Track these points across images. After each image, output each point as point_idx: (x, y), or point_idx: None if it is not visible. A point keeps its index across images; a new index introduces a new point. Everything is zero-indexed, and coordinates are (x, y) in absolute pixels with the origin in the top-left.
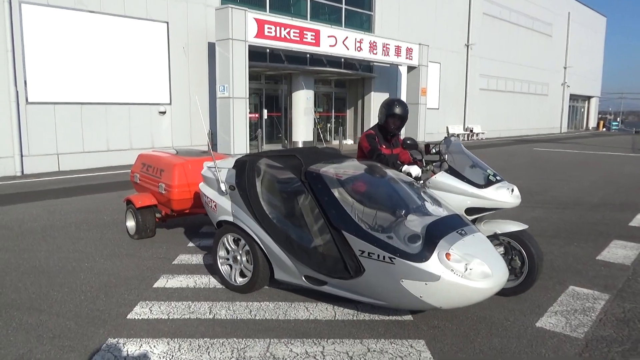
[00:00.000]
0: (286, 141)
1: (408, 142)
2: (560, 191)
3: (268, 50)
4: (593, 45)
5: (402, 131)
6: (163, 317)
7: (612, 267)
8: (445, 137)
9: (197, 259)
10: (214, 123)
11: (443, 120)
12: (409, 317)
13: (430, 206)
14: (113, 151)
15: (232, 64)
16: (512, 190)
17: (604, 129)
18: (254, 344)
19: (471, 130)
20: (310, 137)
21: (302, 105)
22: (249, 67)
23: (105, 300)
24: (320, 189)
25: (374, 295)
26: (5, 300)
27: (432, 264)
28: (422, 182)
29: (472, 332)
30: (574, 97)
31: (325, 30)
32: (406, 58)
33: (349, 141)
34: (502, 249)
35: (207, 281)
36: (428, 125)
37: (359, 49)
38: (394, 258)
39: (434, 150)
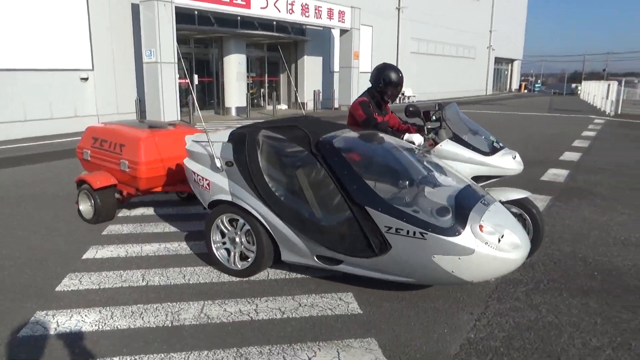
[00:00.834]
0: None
1: (411, 109)
2: None
3: (196, 12)
4: (516, 10)
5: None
6: (94, 287)
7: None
8: (439, 103)
9: (128, 228)
10: (142, 90)
11: None
12: (339, 273)
13: (441, 176)
14: (31, 121)
15: (158, 27)
16: (515, 156)
17: (526, 91)
18: (188, 307)
19: (403, 93)
20: (243, 103)
21: (235, 70)
22: (177, 30)
23: (31, 275)
24: (337, 162)
25: (399, 273)
26: None
27: (466, 238)
28: (426, 150)
29: (396, 283)
30: (498, 60)
31: None
32: (339, 21)
33: (283, 106)
34: None
35: (140, 250)
36: (361, 89)
37: (290, 11)
38: (426, 233)
39: (434, 117)
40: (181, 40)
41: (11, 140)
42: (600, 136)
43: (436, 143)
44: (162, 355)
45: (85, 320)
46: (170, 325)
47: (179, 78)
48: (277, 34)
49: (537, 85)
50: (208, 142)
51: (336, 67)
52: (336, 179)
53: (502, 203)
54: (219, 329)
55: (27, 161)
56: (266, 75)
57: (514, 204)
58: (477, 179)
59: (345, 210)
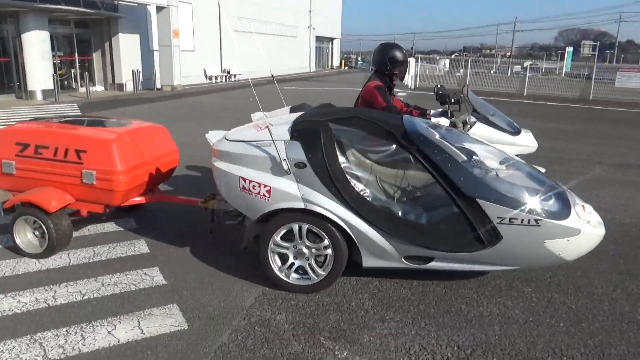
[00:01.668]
0: (22, 91)
1: (441, 92)
2: None
3: None
4: None
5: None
6: None
7: None
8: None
9: None
10: None
11: (200, 63)
12: (146, 250)
13: (502, 159)
14: None
15: None
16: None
17: (346, 67)
18: None
19: (228, 72)
20: (51, 85)
21: (37, 48)
22: None
23: None
24: (438, 153)
25: (503, 262)
26: None
27: (574, 219)
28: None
29: (204, 254)
30: (319, 39)
31: None
32: None
33: (99, 87)
34: None
35: None
36: (184, 69)
37: None
38: (540, 220)
39: (453, 100)
40: None
41: None
42: None
43: (455, 126)
44: None
45: None
46: None
47: None
48: (84, 9)
49: (359, 62)
50: (271, 140)
51: (155, 46)
52: (438, 172)
53: None
54: (10, 321)
55: None
56: (76, 54)
57: None
58: None
59: (446, 204)
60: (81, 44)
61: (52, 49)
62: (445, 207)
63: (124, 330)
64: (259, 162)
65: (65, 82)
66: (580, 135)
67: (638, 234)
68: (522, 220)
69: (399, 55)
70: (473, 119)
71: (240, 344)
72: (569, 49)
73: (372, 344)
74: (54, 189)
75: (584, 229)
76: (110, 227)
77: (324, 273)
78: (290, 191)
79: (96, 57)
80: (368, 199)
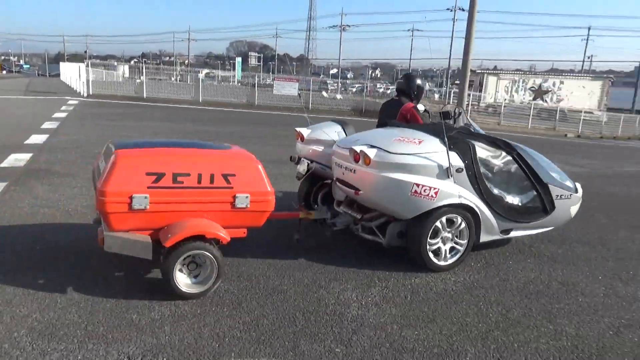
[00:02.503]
0: None
1: (445, 112)
2: None
3: None
4: None
5: None
6: None
7: None
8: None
9: None
10: None
11: None
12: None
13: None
14: None
15: None
16: None
17: (4, 72)
18: None
19: None
20: None
21: None
22: None
23: None
24: (527, 159)
25: (549, 225)
26: None
27: (580, 192)
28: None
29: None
30: None
31: None
32: None
33: None
34: None
35: None
36: None
37: None
38: (571, 195)
39: (451, 116)
40: None
41: None
42: (71, 116)
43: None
44: None
45: None
46: None
47: None
48: None
49: (25, 65)
50: (446, 152)
51: None
52: (529, 171)
53: None
54: None
55: None
56: None
57: None
58: None
59: (530, 189)
60: None
61: None
62: (529, 192)
63: None
64: (429, 169)
65: None
66: (249, 137)
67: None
68: (564, 195)
69: (421, 84)
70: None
71: None
72: (239, 59)
73: None
74: (206, 219)
75: (581, 198)
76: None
77: (454, 256)
78: (451, 191)
79: None
80: (494, 192)
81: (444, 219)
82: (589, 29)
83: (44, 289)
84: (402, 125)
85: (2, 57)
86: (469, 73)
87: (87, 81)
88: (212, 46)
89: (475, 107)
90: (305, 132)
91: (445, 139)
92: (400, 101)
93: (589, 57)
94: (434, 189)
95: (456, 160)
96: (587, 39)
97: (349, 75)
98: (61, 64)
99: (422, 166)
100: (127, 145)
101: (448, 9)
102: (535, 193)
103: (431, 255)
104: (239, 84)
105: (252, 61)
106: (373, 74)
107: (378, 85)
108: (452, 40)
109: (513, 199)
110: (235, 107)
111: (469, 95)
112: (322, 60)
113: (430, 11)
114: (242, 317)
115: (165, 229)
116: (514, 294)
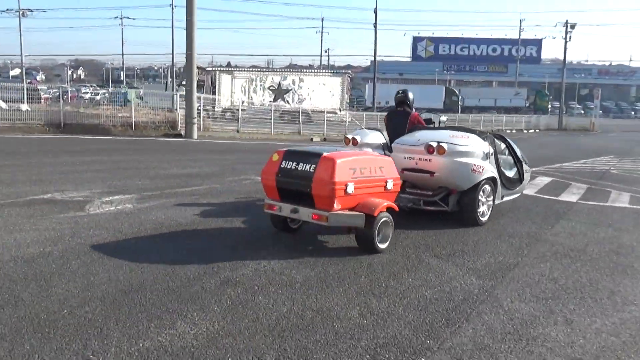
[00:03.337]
0: None
1: (429, 118)
2: None
3: None
4: None
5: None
6: None
7: None
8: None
9: None
10: None
11: None
12: None
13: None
14: None
15: None
16: None
17: None
18: None
19: None
20: None
21: None
22: None
23: None
24: (512, 145)
25: (520, 191)
26: None
27: (528, 168)
28: None
29: None
30: None
31: None
32: None
33: None
34: None
35: None
36: None
37: None
38: (530, 169)
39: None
40: None
41: None
42: None
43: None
44: None
45: None
46: None
47: None
48: None
49: None
50: (484, 143)
51: None
52: (514, 153)
53: None
54: None
55: None
56: None
57: None
58: None
59: (514, 167)
60: None
61: None
62: (514, 168)
63: None
64: (477, 154)
65: None
66: None
67: None
68: (527, 169)
69: (412, 97)
70: (444, 118)
71: None
72: None
73: None
74: (376, 199)
75: (530, 168)
76: None
77: (490, 203)
78: (489, 168)
79: None
80: (501, 168)
81: (483, 188)
82: (322, 20)
83: None
84: (431, 129)
85: None
86: (195, 71)
87: None
88: None
89: (210, 114)
90: (358, 137)
91: (482, 134)
92: (405, 111)
93: (325, 51)
94: (482, 167)
95: (488, 148)
96: (322, 31)
97: (38, 78)
98: None
99: (473, 152)
100: (330, 151)
101: None
102: (516, 169)
103: (479, 214)
104: None
105: None
106: (75, 75)
107: (83, 90)
108: (172, 31)
109: (508, 173)
110: None
111: (199, 98)
112: None
113: None
114: None
115: (366, 204)
116: (266, 336)
